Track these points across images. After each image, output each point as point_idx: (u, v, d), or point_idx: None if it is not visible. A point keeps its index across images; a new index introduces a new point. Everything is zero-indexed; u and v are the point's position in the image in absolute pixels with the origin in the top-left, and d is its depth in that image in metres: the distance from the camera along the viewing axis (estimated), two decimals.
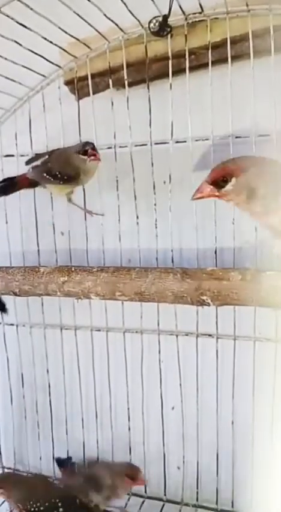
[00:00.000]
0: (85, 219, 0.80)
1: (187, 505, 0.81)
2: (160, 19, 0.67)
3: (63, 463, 0.86)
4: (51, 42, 0.70)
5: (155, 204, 0.75)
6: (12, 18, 0.64)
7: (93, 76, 0.76)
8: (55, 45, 0.72)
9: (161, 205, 0.74)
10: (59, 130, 0.79)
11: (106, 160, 0.74)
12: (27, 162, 0.78)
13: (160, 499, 0.83)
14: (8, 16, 0.63)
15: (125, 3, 0.64)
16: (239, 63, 0.68)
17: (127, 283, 0.64)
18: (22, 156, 0.83)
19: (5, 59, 0.71)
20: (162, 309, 0.77)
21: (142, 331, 0.80)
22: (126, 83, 0.74)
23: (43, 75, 0.80)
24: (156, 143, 0.74)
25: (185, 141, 0.72)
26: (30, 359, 0.90)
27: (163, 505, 0.82)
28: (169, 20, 0.67)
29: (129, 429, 0.83)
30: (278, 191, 0.51)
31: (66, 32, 0.69)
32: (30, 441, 0.94)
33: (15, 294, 0.74)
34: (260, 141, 0.67)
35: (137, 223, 0.76)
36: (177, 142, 0.72)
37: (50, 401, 0.90)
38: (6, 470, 0.96)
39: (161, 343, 0.79)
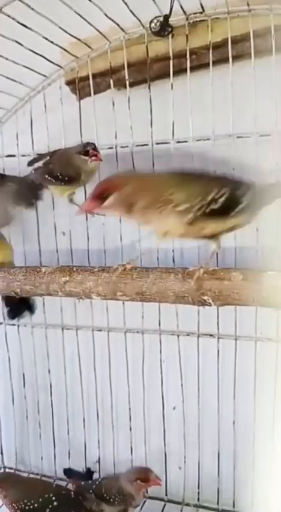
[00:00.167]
0: (86, 219, 0.80)
1: (188, 505, 0.81)
2: (161, 19, 0.68)
3: (72, 473, 0.85)
4: (52, 42, 0.70)
5: None
6: (13, 18, 0.64)
7: (94, 76, 0.76)
8: (56, 45, 0.72)
9: None
10: (60, 131, 0.79)
11: (107, 161, 0.74)
12: (29, 164, 0.78)
13: (161, 499, 0.83)
14: (9, 16, 0.63)
15: (126, 3, 0.64)
16: (240, 63, 0.68)
17: (128, 283, 0.64)
18: (23, 156, 0.83)
19: (6, 59, 0.71)
20: (163, 309, 0.77)
21: (143, 331, 0.80)
22: (127, 83, 0.74)
23: (44, 75, 0.80)
24: (157, 143, 0.74)
25: (186, 141, 0.72)
26: (32, 359, 0.90)
27: (164, 505, 0.82)
28: (170, 20, 0.68)
29: (130, 429, 0.83)
30: (152, 203, 0.56)
31: (67, 32, 0.70)
32: (32, 441, 0.94)
33: (16, 294, 0.74)
34: (261, 141, 0.67)
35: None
36: (178, 142, 0.72)
37: (51, 401, 0.90)
38: (7, 470, 0.96)
39: (162, 343, 0.79)
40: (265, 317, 0.69)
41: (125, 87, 0.74)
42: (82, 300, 0.69)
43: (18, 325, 0.90)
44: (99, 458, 0.87)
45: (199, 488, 0.80)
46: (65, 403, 0.89)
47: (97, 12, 0.65)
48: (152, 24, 0.68)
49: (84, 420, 0.88)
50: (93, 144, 0.71)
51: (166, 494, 0.83)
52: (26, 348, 0.90)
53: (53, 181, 0.73)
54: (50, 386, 0.90)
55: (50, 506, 0.71)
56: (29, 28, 0.66)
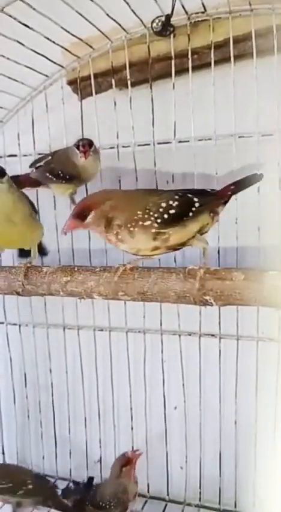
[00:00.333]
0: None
1: (189, 505, 0.81)
2: (163, 19, 0.68)
3: (69, 492, 0.83)
4: (53, 42, 0.70)
5: None
6: (14, 18, 0.64)
7: (96, 76, 0.76)
8: (58, 45, 0.72)
9: None
10: (62, 131, 0.79)
11: (109, 160, 0.75)
12: (31, 165, 0.77)
13: (163, 499, 0.83)
14: (10, 16, 0.63)
15: (128, 3, 0.64)
16: (242, 62, 0.68)
17: (130, 283, 0.64)
18: (25, 156, 0.83)
19: (8, 59, 0.71)
20: (165, 308, 0.77)
21: (145, 331, 0.80)
22: (129, 82, 0.74)
23: (46, 75, 0.80)
24: (159, 143, 0.74)
25: (188, 141, 0.72)
26: (33, 359, 0.90)
27: (166, 505, 0.82)
28: (171, 19, 0.68)
29: (132, 429, 0.83)
30: (127, 221, 0.58)
31: (68, 32, 0.70)
32: (33, 440, 0.94)
33: (18, 294, 0.74)
34: (263, 141, 0.67)
35: None
36: (180, 142, 0.72)
37: (52, 400, 0.90)
38: None
39: (163, 343, 0.79)
40: (267, 317, 0.69)
41: (127, 87, 0.74)
42: (84, 299, 0.69)
43: (19, 325, 0.90)
44: (100, 458, 0.87)
45: (200, 488, 0.80)
46: (66, 403, 0.89)
47: (99, 12, 0.65)
48: (154, 24, 0.68)
49: (85, 420, 0.88)
50: (87, 140, 0.70)
51: (168, 494, 0.83)
52: (28, 348, 0.90)
53: (54, 179, 0.73)
54: (52, 385, 0.90)
55: (24, 487, 0.77)
56: (31, 28, 0.66)
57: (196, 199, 0.59)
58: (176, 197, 0.59)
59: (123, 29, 0.72)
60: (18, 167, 0.82)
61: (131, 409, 0.83)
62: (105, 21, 0.68)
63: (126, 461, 0.76)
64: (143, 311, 0.78)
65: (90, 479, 0.84)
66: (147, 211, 0.57)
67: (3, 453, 0.97)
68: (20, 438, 0.95)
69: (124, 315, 0.80)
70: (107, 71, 0.75)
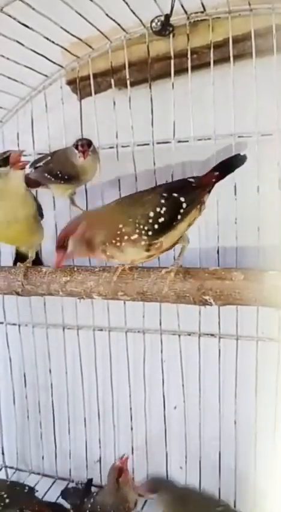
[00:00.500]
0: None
1: None
2: (162, 18, 0.68)
3: (69, 494, 0.85)
4: (53, 42, 0.70)
5: None
6: (14, 18, 0.64)
7: (95, 76, 0.76)
8: (57, 45, 0.72)
9: None
10: (61, 130, 0.79)
11: (108, 160, 0.74)
12: (30, 165, 0.77)
13: None
14: (10, 16, 0.63)
15: (127, 3, 0.64)
16: (242, 62, 0.68)
17: (129, 283, 0.64)
18: (24, 156, 0.82)
19: (7, 58, 0.71)
20: (164, 308, 0.77)
21: (144, 331, 0.80)
22: (128, 82, 0.74)
23: (45, 75, 0.80)
24: (158, 143, 0.74)
25: (187, 141, 0.72)
26: (33, 359, 0.90)
27: None
28: (171, 19, 0.68)
29: (131, 429, 0.83)
30: (109, 237, 0.58)
31: (68, 32, 0.70)
32: (33, 440, 0.94)
33: (17, 294, 0.74)
34: (263, 141, 0.67)
35: None
36: (179, 141, 0.72)
37: (52, 401, 0.90)
38: (8, 469, 0.96)
39: (163, 342, 0.79)
40: (266, 317, 0.69)
41: (126, 86, 0.74)
42: (83, 299, 0.69)
43: (19, 325, 0.90)
44: (100, 458, 0.87)
45: (200, 488, 0.79)
46: (66, 403, 0.89)
47: (98, 12, 0.65)
48: (153, 24, 0.68)
49: (85, 420, 0.88)
50: (86, 140, 0.70)
51: None
52: (27, 348, 0.90)
53: (53, 179, 0.73)
54: (51, 386, 0.90)
55: (2, 503, 0.77)
56: (30, 28, 0.66)
57: (182, 199, 0.58)
58: (162, 201, 0.57)
59: (123, 29, 0.72)
60: None
61: (130, 409, 0.83)
62: (104, 21, 0.68)
63: (119, 472, 0.76)
64: (142, 311, 0.78)
65: (89, 481, 0.84)
66: (136, 224, 0.56)
67: (3, 453, 0.97)
68: (19, 438, 0.95)
69: (124, 315, 0.80)
70: (106, 71, 0.75)
